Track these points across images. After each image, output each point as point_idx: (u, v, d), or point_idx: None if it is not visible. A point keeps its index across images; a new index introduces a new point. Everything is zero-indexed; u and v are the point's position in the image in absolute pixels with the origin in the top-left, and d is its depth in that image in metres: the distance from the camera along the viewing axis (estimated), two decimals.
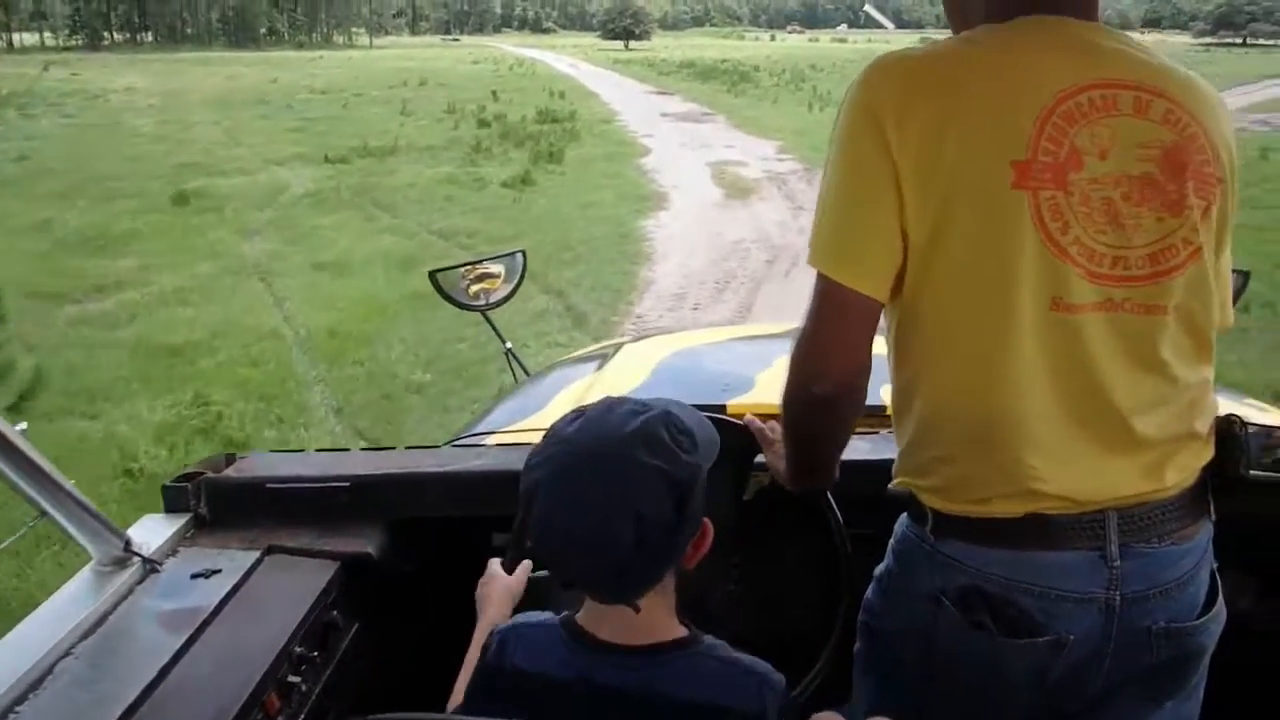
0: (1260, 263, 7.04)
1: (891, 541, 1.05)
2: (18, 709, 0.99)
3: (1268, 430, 1.09)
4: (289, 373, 5.37)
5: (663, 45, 70.11)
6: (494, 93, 22.32)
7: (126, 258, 7.98)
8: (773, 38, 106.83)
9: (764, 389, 1.59)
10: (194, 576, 1.23)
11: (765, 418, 1.27)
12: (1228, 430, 1.02)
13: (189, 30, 78.78)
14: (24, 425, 1.07)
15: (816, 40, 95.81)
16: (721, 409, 1.33)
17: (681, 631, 0.88)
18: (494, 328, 2.03)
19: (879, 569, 1.07)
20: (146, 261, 7.83)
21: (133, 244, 8.41)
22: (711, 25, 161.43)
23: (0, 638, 1.08)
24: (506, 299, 2.02)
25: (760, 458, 1.27)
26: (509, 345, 2.07)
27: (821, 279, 0.96)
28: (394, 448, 1.58)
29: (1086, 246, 0.91)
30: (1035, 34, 0.95)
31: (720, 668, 0.87)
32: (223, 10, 76.99)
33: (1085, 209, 0.91)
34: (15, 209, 9.74)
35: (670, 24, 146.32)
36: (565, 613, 0.91)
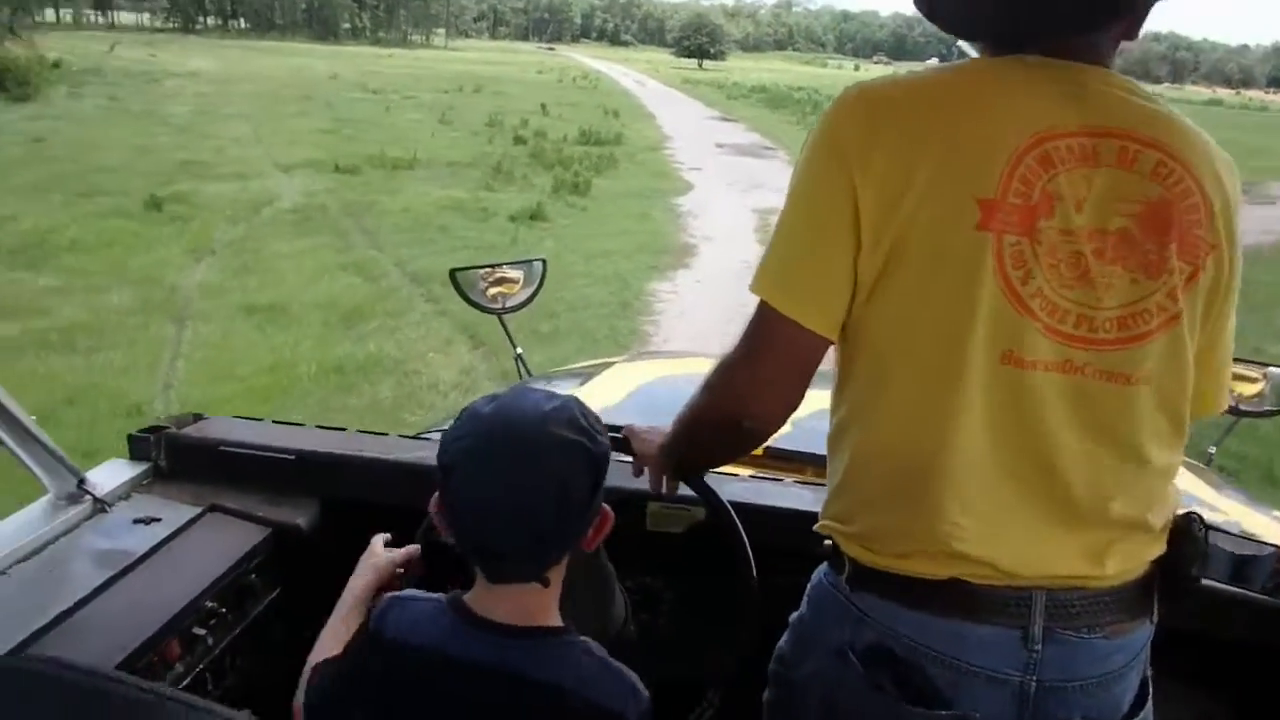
0: None
1: (809, 587, 1.01)
2: None
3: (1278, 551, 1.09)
4: None
5: (739, 67, 68.93)
6: (543, 106, 21.13)
7: (50, 274, 6.84)
8: (856, 68, 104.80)
9: None
10: (135, 522, 1.30)
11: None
12: (1186, 528, 0.94)
13: (279, 20, 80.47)
14: None
15: None
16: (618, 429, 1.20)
17: (560, 622, 0.89)
18: (507, 332, 2.00)
19: (794, 615, 1.03)
20: (67, 282, 6.67)
21: (68, 257, 7.28)
22: (794, 50, 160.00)
23: None
24: (524, 305, 2.00)
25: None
26: (519, 351, 2.06)
27: (765, 309, 0.90)
28: (345, 429, 1.57)
29: (1049, 300, 0.84)
30: (1022, 72, 0.88)
31: (594, 664, 0.88)
32: (309, 3, 78.34)
33: (1051, 260, 0.84)
34: None
35: (751, 45, 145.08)
36: (455, 591, 0.90)
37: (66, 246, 7.55)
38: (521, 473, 0.81)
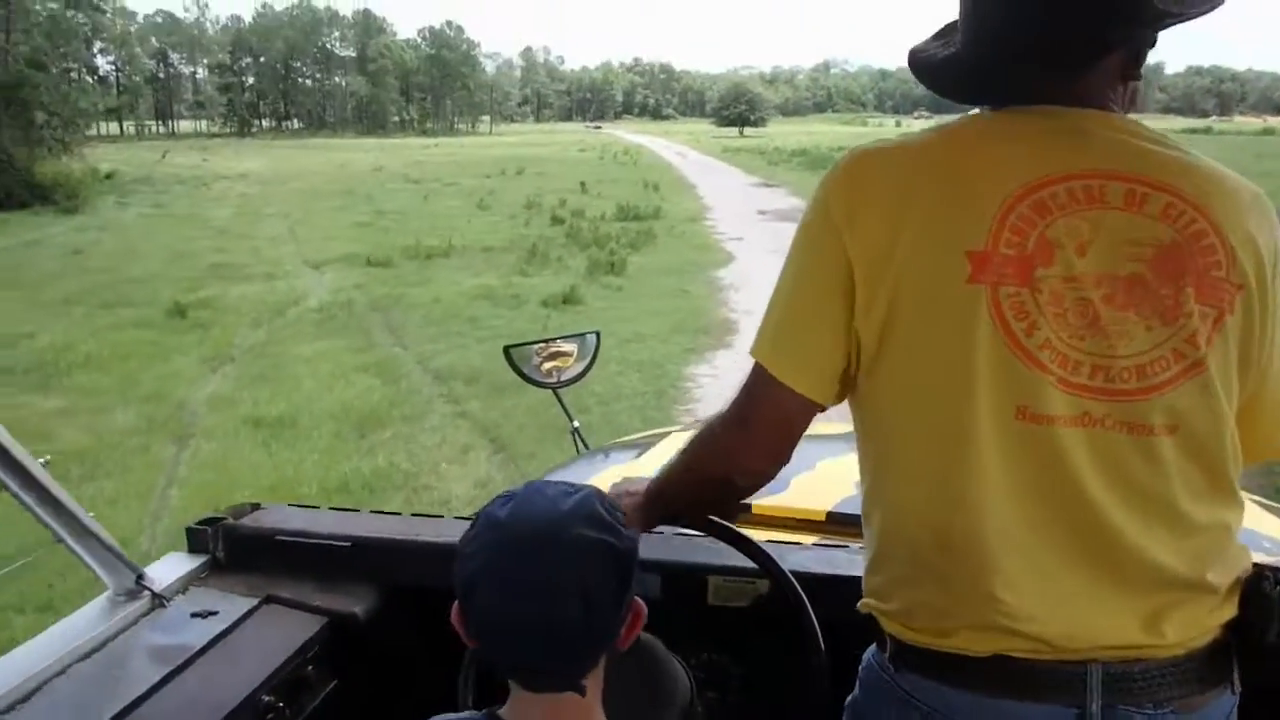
0: None
1: (860, 668, 0.98)
2: (3, 717, 1.07)
3: None
4: None
5: (779, 131, 69.45)
6: (583, 184, 21.06)
7: (58, 395, 6.55)
8: (897, 124, 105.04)
9: (798, 491, 1.55)
10: (193, 615, 1.31)
11: (789, 519, 1.42)
12: (1257, 587, 0.88)
13: (329, 118, 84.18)
14: (47, 458, 1.16)
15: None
16: None
17: None
18: (563, 406, 1.98)
19: (849, 698, 0.99)
20: (73, 402, 6.36)
21: (80, 374, 7.00)
22: (834, 111, 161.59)
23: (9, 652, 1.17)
24: (578, 378, 2.03)
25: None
26: (576, 424, 2.04)
27: (760, 371, 0.91)
28: (400, 513, 1.60)
29: (1059, 351, 0.82)
30: (1018, 123, 0.88)
31: None
32: (358, 100, 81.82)
33: (1056, 309, 0.82)
34: (10, 316, 8.69)
35: (791, 109, 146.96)
36: (491, 707, 0.87)
37: (80, 363, 7.29)
38: (544, 585, 0.77)
